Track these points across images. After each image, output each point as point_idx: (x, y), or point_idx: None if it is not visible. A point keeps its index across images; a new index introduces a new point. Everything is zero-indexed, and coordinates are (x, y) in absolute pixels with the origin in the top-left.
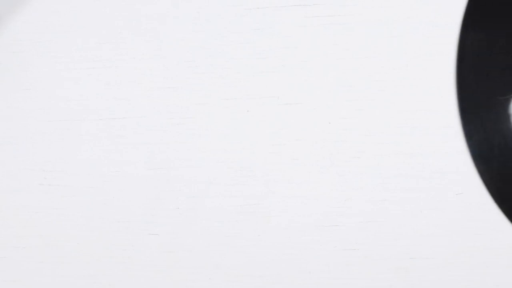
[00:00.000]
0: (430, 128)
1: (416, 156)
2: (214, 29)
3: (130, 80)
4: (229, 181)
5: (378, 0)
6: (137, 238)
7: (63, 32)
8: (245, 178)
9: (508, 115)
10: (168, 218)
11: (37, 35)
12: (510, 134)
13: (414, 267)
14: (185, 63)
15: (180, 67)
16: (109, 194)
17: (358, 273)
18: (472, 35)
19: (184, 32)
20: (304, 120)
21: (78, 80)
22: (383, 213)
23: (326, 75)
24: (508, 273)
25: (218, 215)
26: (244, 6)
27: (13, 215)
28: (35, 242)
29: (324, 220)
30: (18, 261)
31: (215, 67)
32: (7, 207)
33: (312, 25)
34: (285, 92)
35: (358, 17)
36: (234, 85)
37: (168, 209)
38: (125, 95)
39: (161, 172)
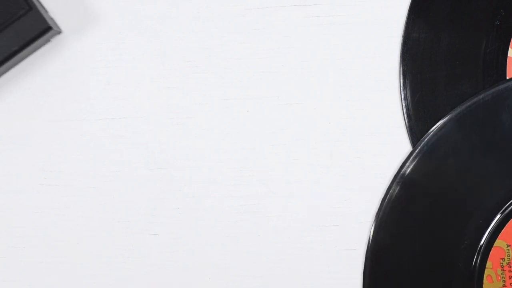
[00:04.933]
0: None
1: None
2: (214, 29)
3: (130, 80)
4: (229, 181)
5: (378, 0)
6: (137, 238)
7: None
8: (245, 178)
9: None
10: (168, 218)
11: None
12: None
13: None
14: (185, 63)
15: (180, 67)
16: (109, 194)
17: (358, 273)
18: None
19: (184, 32)
20: (304, 120)
21: (78, 80)
22: None
23: (326, 75)
24: None
25: (218, 215)
26: (244, 6)
27: (13, 215)
28: (35, 242)
29: (324, 220)
30: (18, 261)
31: (215, 67)
32: (7, 207)
33: (312, 25)
34: (285, 92)
35: (358, 17)
36: (234, 85)
37: (168, 209)
38: (125, 95)
39: (161, 172)
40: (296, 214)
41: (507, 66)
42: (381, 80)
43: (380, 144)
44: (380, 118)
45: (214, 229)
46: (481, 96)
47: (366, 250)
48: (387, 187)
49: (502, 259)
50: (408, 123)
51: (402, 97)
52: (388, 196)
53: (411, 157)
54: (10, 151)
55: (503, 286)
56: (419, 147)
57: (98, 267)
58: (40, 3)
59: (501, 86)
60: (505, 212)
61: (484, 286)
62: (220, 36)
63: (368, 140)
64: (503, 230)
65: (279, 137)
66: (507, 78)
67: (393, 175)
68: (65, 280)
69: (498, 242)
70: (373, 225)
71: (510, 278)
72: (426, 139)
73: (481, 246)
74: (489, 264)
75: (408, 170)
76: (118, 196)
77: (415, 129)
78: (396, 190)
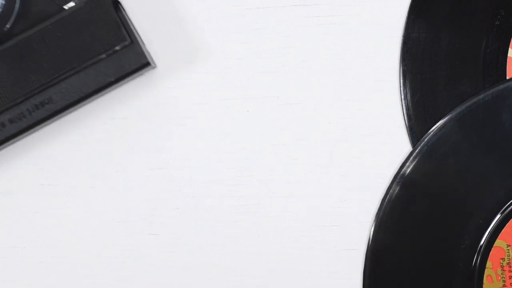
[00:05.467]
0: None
1: None
2: (214, 29)
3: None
4: (229, 181)
5: (378, 0)
6: (137, 238)
7: None
8: (245, 178)
9: None
10: (168, 218)
11: None
12: None
13: None
14: (185, 63)
15: (180, 67)
16: (109, 194)
17: (358, 273)
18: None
19: (184, 32)
20: (304, 120)
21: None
22: None
23: (326, 75)
24: None
25: (218, 215)
26: (244, 6)
27: (13, 215)
28: (35, 242)
29: (324, 220)
30: (18, 261)
31: (215, 67)
32: (7, 207)
33: (312, 25)
34: (285, 92)
35: (358, 17)
36: (234, 85)
37: (168, 209)
38: (125, 95)
39: (161, 172)
40: (296, 214)
41: (507, 66)
42: (381, 80)
43: (380, 144)
44: (380, 118)
45: (214, 229)
46: (481, 96)
47: (366, 250)
48: (387, 187)
49: (502, 259)
50: (408, 123)
51: (402, 97)
52: (388, 196)
53: (411, 157)
54: (11, 151)
55: (503, 286)
56: (419, 147)
57: (98, 267)
58: (140, 36)
59: (501, 86)
60: (505, 212)
61: (484, 286)
62: (220, 36)
63: (368, 140)
64: (503, 230)
65: (279, 137)
66: (507, 78)
67: (393, 175)
68: (65, 280)
69: (498, 242)
70: (373, 225)
71: (510, 278)
72: (426, 139)
73: (481, 246)
74: (489, 264)
75: (408, 170)
76: (118, 196)
77: (415, 129)
78: (396, 190)
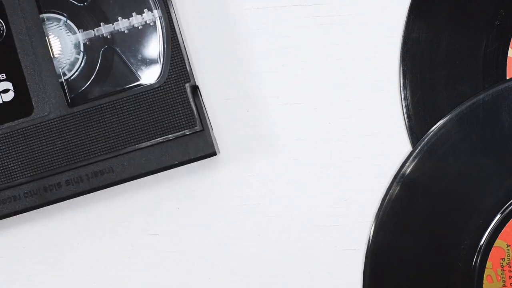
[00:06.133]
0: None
1: None
2: (215, 29)
3: None
4: (229, 181)
5: (378, 0)
6: (137, 238)
7: None
8: (245, 178)
9: None
10: (168, 218)
11: None
12: None
13: None
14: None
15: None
16: (109, 194)
17: (358, 273)
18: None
19: (184, 32)
20: (304, 120)
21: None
22: None
23: (326, 75)
24: None
25: (218, 215)
26: (244, 6)
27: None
28: (35, 242)
29: (324, 220)
30: (18, 261)
31: (216, 67)
32: None
33: (312, 25)
34: (285, 92)
35: (358, 17)
36: (234, 85)
37: (168, 209)
38: None
39: (160, 173)
40: (296, 214)
41: (507, 66)
42: (381, 80)
43: (380, 144)
44: (380, 118)
45: (214, 229)
46: (481, 96)
47: (366, 250)
48: (387, 187)
49: (502, 259)
50: (408, 123)
51: (402, 97)
52: (388, 196)
53: (411, 157)
54: None
55: (503, 286)
56: (419, 147)
57: (98, 267)
58: (210, 123)
59: (501, 86)
60: (505, 212)
61: (484, 286)
62: (220, 36)
63: (368, 140)
64: (503, 230)
65: (279, 137)
66: (507, 78)
67: (393, 175)
68: (65, 280)
69: (498, 242)
70: (373, 225)
71: (510, 278)
72: (426, 139)
73: (481, 246)
74: (489, 264)
75: (408, 170)
76: (118, 196)
77: (415, 129)
78: (396, 190)
